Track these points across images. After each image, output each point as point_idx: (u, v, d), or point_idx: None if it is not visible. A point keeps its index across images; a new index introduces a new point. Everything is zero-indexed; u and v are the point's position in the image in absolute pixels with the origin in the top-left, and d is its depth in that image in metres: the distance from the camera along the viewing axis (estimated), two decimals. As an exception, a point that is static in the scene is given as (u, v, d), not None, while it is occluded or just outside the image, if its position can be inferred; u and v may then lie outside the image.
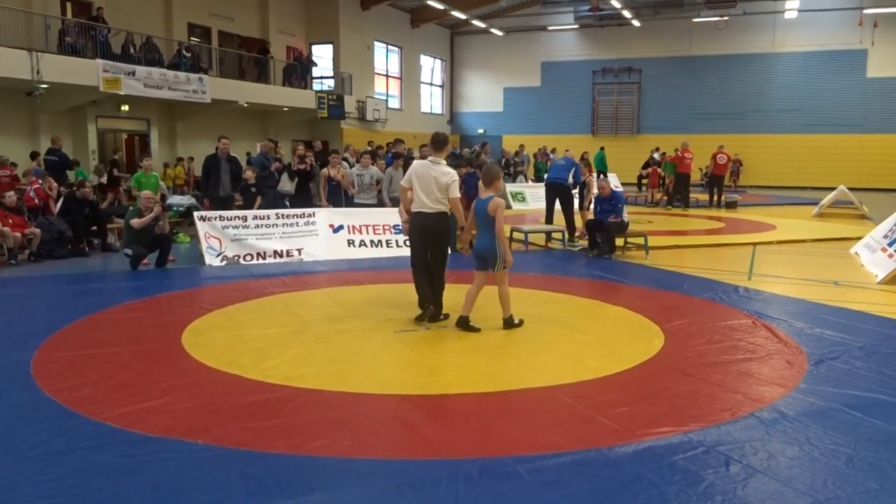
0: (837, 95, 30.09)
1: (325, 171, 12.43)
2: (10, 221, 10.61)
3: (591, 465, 3.85)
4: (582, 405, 4.72)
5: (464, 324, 6.65)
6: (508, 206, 13.44)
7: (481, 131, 36.06)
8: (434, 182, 6.72)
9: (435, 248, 6.95)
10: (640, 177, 26.46)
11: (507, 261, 6.60)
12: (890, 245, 10.37)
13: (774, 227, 15.43)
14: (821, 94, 30.33)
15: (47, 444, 4.05)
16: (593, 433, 4.28)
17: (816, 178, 29.45)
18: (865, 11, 28.36)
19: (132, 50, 19.02)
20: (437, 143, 7.04)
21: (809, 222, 17.08)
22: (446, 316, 6.99)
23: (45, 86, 16.28)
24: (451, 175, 6.81)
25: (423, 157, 7.81)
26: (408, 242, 11.43)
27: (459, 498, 3.46)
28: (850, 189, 19.59)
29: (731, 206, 20.49)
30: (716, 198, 20.58)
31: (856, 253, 11.68)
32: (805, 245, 13.16)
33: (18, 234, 10.50)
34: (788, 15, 29.41)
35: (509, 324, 6.73)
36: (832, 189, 20.24)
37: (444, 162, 6.89)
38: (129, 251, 9.93)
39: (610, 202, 11.35)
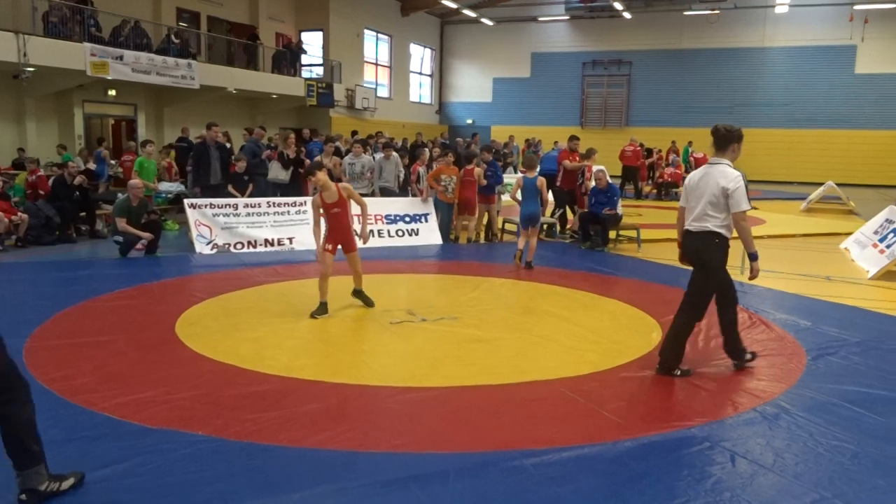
0: (827, 91, 30.19)
1: (317, 158, 12.33)
2: (-2, 206, 10.45)
3: (597, 460, 3.83)
4: (584, 399, 4.70)
5: (528, 266, 9.38)
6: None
7: (470, 122, 35.91)
8: (707, 188, 5.10)
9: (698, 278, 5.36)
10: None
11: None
12: (881, 241, 10.44)
13: (764, 222, 15.47)
14: (810, 89, 30.41)
15: (45, 434, 3.90)
16: (597, 427, 4.26)
17: (805, 174, 29.57)
18: (856, 7, 28.43)
19: (121, 34, 18.72)
20: (724, 140, 5.13)
21: (798, 217, 17.18)
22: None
23: (31, 69, 15.99)
24: (732, 178, 5.03)
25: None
26: (399, 232, 11.60)
27: (468, 492, 3.43)
28: (838, 184, 19.70)
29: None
30: None
31: (846, 248, 11.74)
32: (795, 240, 13.21)
33: (6, 220, 10.34)
34: (779, 9, 29.47)
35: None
36: (821, 184, 20.35)
37: (728, 163, 5.12)
38: (119, 238, 9.81)
39: (605, 194, 11.33)
